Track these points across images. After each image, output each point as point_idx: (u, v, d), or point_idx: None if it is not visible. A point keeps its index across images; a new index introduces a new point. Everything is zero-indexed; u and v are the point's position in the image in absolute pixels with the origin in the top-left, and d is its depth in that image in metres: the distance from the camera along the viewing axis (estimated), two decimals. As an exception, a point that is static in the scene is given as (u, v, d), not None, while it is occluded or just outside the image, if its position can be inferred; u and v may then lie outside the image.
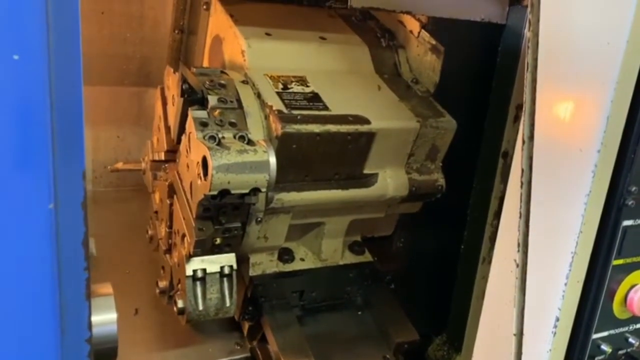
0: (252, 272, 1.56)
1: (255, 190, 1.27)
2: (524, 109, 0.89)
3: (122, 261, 1.90)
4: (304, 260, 1.66)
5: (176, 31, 1.96)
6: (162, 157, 1.64)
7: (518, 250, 0.92)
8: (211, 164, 1.20)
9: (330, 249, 1.66)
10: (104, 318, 0.86)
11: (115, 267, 1.85)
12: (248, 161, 1.24)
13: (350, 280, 1.69)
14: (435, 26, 1.59)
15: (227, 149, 1.24)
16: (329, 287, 1.67)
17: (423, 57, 1.67)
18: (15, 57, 0.51)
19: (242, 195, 1.28)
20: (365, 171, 1.53)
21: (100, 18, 1.98)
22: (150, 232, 1.79)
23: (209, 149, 1.22)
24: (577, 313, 1.05)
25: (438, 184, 1.61)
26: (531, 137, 0.89)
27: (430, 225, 1.75)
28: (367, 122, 1.45)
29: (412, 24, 1.66)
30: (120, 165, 1.79)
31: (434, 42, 1.60)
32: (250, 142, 1.29)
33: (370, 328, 1.67)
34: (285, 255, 1.63)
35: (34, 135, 0.55)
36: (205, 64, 1.81)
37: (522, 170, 0.90)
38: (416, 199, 1.62)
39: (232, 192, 1.24)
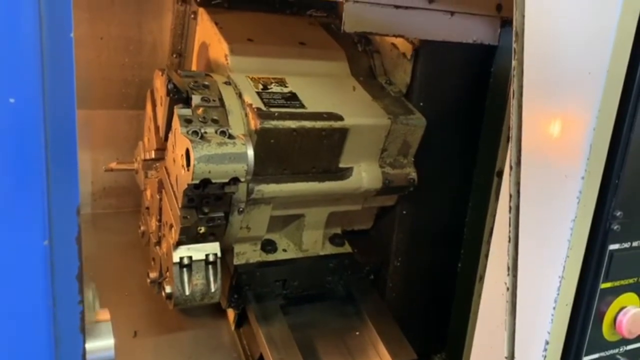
0: (237, 261, 1.67)
1: (235, 180, 1.38)
2: (510, 135, 0.92)
3: (121, 283, 1.93)
4: (286, 251, 1.76)
5: (174, 55, 2.09)
6: (153, 156, 1.75)
7: (508, 274, 0.94)
8: (193, 155, 1.31)
9: (310, 240, 1.76)
10: (102, 344, 0.92)
11: (114, 289, 1.89)
12: (227, 152, 1.35)
13: (330, 270, 1.79)
14: (429, 49, 1.65)
15: (208, 142, 1.35)
16: (310, 277, 1.77)
17: (396, 60, 1.79)
18: (12, 100, 0.56)
19: (223, 185, 1.39)
20: (341, 165, 1.64)
21: (99, 43, 2.07)
22: (142, 227, 1.90)
23: (191, 141, 1.34)
24: (567, 336, 1.06)
25: (410, 177, 1.71)
26: (518, 163, 0.91)
27: (427, 244, 1.83)
28: (341, 118, 1.57)
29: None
30: (114, 165, 1.89)
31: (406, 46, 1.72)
32: (230, 137, 1.41)
33: (365, 345, 1.75)
34: (268, 246, 1.73)
35: (29, 175, 0.58)
36: (194, 68, 1.94)
37: (510, 196, 0.92)
38: (390, 191, 1.72)
39: (213, 181, 1.35)
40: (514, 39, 0.87)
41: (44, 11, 0.56)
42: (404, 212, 1.81)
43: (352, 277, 1.83)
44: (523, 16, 0.87)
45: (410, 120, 1.66)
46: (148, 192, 1.82)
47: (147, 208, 1.84)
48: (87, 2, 1.99)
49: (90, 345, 0.87)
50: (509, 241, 0.93)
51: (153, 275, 1.70)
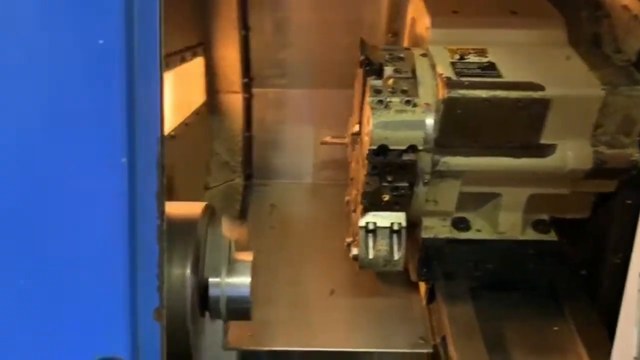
0: (424, 235, 1.66)
1: (413, 148, 1.39)
2: None
3: (326, 246, 2.06)
4: (480, 231, 1.68)
5: (390, 34, 2.17)
6: (357, 129, 1.86)
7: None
8: (371, 120, 1.37)
9: (507, 222, 1.65)
10: (239, 280, 1.05)
11: (318, 250, 2.06)
12: (406, 120, 1.37)
13: (529, 257, 1.65)
14: None
15: (388, 109, 1.39)
16: (505, 261, 1.66)
17: (627, 24, 1.55)
18: (100, 41, 0.66)
19: (401, 153, 1.41)
20: (542, 141, 1.50)
21: (323, 27, 2.26)
22: (347, 197, 2.03)
23: (372, 108, 1.40)
24: None
25: (632, 159, 1.47)
26: None
27: None
28: (541, 88, 1.43)
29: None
30: (328, 138, 2.07)
31: (640, 8, 1.48)
32: (415, 106, 1.42)
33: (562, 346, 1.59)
34: (461, 223, 1.68)
35: (113, 103, 0.67)
36: (405, 45, 1.99)
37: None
38: (603, 175, 1.50)
39: (391, 147, 1.39)
40: None
41: None
42: (628, 201, 1.56)
43: (558, 268, 1.66)
44: None
45: (634, 92, 1.43)
46: (353, 164, 1.93)
47: (352, 179, 1.96)
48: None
49: (229, 280, 1.01)
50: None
51: (348, 239, 1.81)
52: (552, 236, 1.67)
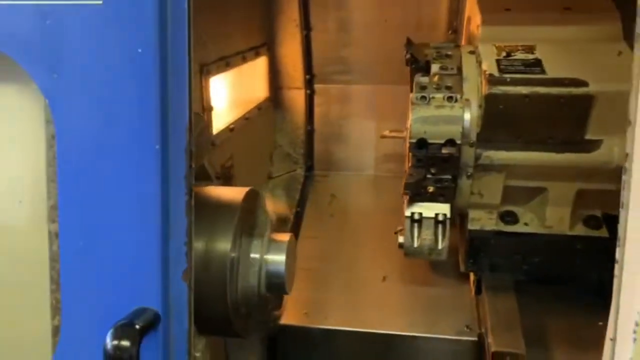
0: (471, 226, 1.71)
1: (452, 142, 1.45)
2: None
3: (383, 235, 2.08)
4: (528, 225, 1.70)
5: (450, 32, 2.21)
6: (411, 124, 1.93)
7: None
8: (411, 115, 1.45)
9: (554, 217, 1.66)
10: (276, 258, 1.19)
11: (375, 239, 2.14)
12: (444, 115, 1.44)
13: (578, 253, 1.65)
14: None
15: (428, 105, 1.46)
16: (552, 255, 1.67)
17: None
18: (139, 50, 0.82)
19: (440, 146, 1.48)
20: (588, 137, 1.51)
21: (384, 26, 2.34)
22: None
23: (412, 104, 1.47)
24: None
25: (683, 156, 1.44)
26: None
27: None
28: (584, 84, 1.44)
29: None
30: (387, 132, 2.15)
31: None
32: (456, 102, 1.48)
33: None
34: (508, 217, 1.71)
35: (149, 100, 0.81)
36: (463, 43, 2.02)
37: None
38: (654, 171, 1.48)
39: (429, 141, 1.46)
40: None
41: None
42: (683, 199, 1.52)
43: (608, 265, 1.64)
44: None
45: (686, 87, 1.39)
46: (407, 157, 2.01)
47: (405, 171, 2.04)
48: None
49: (266, 256, 1.15)
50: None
51: (399, 228, 1.90)
52: (603, 232, 1.66)
